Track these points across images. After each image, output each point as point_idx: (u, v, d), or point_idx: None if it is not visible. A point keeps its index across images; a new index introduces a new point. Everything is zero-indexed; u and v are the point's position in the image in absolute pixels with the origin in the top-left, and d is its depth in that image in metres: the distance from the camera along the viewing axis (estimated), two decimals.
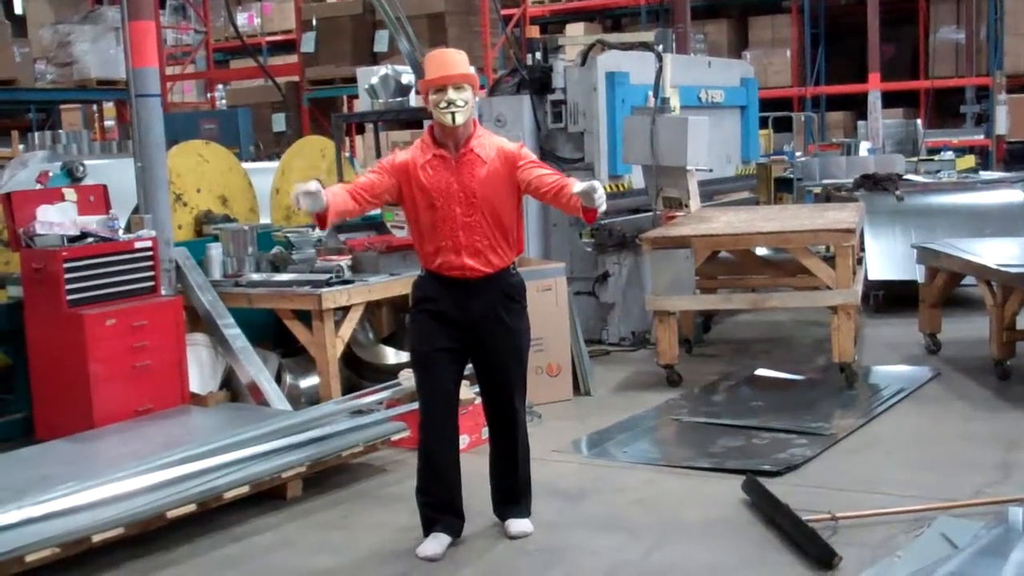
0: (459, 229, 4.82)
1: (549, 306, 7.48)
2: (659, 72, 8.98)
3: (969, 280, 8.29)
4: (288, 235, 7.78)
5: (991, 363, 7.60)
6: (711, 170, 9.56)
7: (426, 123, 5.68)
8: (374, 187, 4.92)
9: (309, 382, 7.33)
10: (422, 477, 5.05)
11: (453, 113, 4.74)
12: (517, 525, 5.10)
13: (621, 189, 9.68)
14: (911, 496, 5.32)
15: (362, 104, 9.64)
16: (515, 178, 4.86)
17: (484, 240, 4.85)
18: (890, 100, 20.01)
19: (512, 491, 5.15)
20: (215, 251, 7.33)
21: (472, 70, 4.84)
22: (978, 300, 8.31)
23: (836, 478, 5.75)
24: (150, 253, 6.65)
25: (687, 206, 8.88)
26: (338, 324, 6.94)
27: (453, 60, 4.81)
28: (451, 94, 4.72)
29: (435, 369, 4.95)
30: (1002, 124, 18.68)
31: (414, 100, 9.12)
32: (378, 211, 9.36)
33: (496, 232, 4.88)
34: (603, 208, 4.71)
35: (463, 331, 4.91)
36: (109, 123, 19.60)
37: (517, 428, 5.09)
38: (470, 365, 5.10)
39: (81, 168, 7.76)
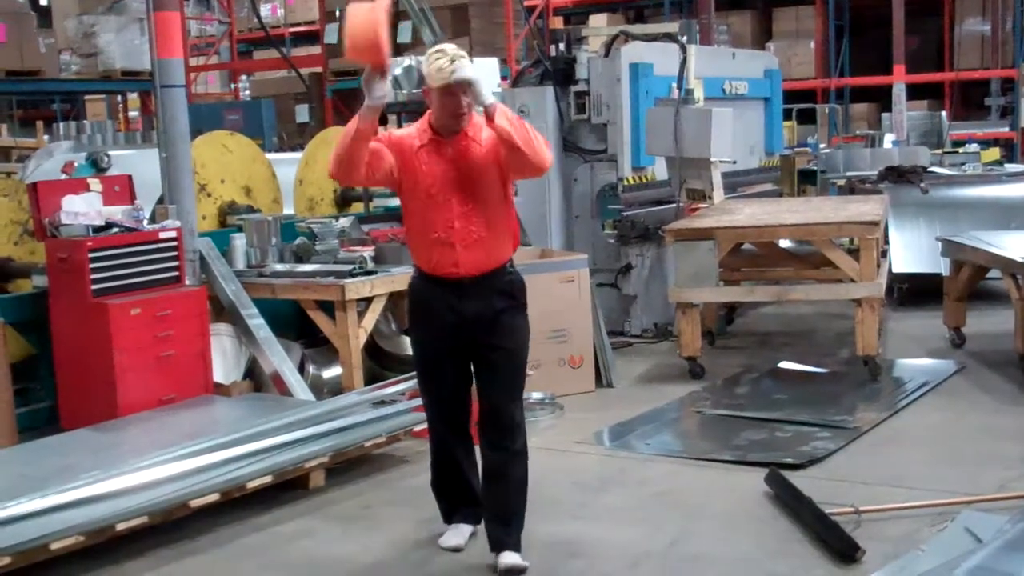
0: (455, 219, 4.54)
1: (572, 298, 7.47)
2: (683, 63, 8.94)
3: (994, 273, 8.24)
4: (311, 226, 7.78)
5: (1016, 357, 7.56)
6: (735, 162, 9.52)
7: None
8: (379, 159, 4.57)
9: (332, 372, 7.35)
10: (435, 474, 5.01)
11: (462, 121, 4.54)
12: (505, 559, 4.66)
13: (644, 181, 9.66)
14: (935, 490, 5.30)
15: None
16: (499, 158, 4.55)
17: (481, 231, 4.56)
18: (915, 92, 19.91)
19: (502, 518, 4.74)
20: (239, 241, 7.36)
21: (473, 66, 4.47)
22: (1003, 293, 8.26)
23: (859, 471, 5.73)
24: (175, 243, 6.68)
25: (710, 198, 8.85)
26: (361, 315, 6.95)
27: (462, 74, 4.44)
28: (462, 105, 4.48)
29: (436, 375, 4.79)
30: None
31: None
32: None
33: (492, 222, 4.61)
34: (459, 75, 4.41)
35: (460, 332, 4.65)
36: (133, 114, 19.71)
37: (513, 442, 4.72)
38: None
39: (106, 158, 7.79)
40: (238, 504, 5.42)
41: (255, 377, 7.07)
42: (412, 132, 4.64)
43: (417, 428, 6.10)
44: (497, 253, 4.64)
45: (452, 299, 4.61)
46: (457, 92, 4.42)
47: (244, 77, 19.68)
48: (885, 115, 19.56)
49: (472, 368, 4.79)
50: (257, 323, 6.99)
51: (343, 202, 9.69)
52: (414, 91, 9.13)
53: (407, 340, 7.89)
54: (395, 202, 9.36)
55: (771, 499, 5.35)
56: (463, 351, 4.72)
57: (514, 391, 4.73)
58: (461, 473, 4.95)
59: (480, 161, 4.54)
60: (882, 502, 5.10)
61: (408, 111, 10.29)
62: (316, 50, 17.55)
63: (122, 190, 6.90)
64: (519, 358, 4.75)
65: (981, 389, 7.26)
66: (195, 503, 5.13)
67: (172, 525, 5.17)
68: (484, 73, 9.07)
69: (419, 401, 6.24)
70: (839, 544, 4.64)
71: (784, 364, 8.13)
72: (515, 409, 4.73)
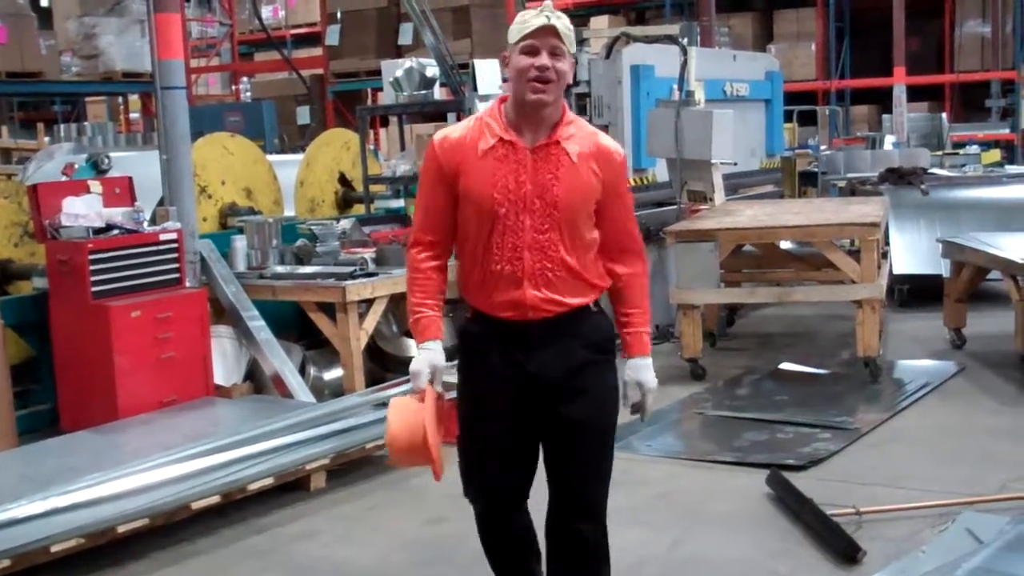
0: (525, 249, 3.42)
1: None
2: (684, 65, 8.95)
3: (995, 275, 8.24)
4: (312, 227, 7.79)
5: (1017, 358, 7.56)
6: (736, 163, 9.53)
7: (488, 102, 4.24)
8: (439, 222, 3.56)
9: (333, 374, 7.35)
10: (485, 549, 3.87)
11: (545, 85, 3.36)
12: None
13: (645, 182, 9.66)
14: (936, 491, 5.30)
15: (386, 97, 9.65)
16: (602, 193, 3.49)
17: (559, 268, 3.45)
18: (915, 94, 19.91)
19: None
20: (240, 243, 7.35)
21: (572, 35, 3.44)
22: (1004, 295, 8.26)
23: (860, 472, 5.73)
24: (175, 245, 6.67)
25: (711, 199, 8.86)
26: (362, 316, 6.95)
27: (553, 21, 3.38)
28: (544, 58, 3.34)
29: (487, 455, 3.63)
30: None
31: (438, 93, 9.12)
32: (401, 203, 9.42)
33: (576, 257, 3.47)
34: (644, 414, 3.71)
35: (525, 395, 3.52)
36: (134, 115, 19.70)
37: (594, 527, 3.70)
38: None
39: (106, 160, 7.79)
40: (239, 506, 5.42)
41: (256, 379, 7.07)
42: (474, 127, 3.52)
43: None
44: (580, 292, 3.51)
45: (515, 350, 3.51)
46: (541, 50, 3.36)
47: (245, 79, 19.71)
48: (886, 117, 19.56)
49: (541, 444, 3.64)
50: (258, 325, 6.99)
51: (344, 204, 9.71)
52: (415, 93, 9.16)
53: (408, 342, 7.91)
54: (396, 204, 9.39)
55: (772, 500, 5.35)
56: (529, 423, 3.57)
57: (600, 474, 3.66)
58: (518, 559, 3.85)
59: (572, 175, 3.43)
60: (883, 503, 5.10)
61: (409, 112, 10.34)
62: (317, 52, 17.59)
63: (122, 192, 6.90)
64: (606, 433, 3.64)
65: (982, 390, 7.26)
66: (196, 505, 5.13)
67: (173, 527, 5.17)
68: (486, 72, 9.11)
69: None
70: (840, 545, 4.64)
71: (785, 365, 8.13)
72: (599, 494, 3.69)
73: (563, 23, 3.35)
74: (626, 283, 3.59)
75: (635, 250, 3.61)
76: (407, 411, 3.54)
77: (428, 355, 3.51)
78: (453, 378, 3.68)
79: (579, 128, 3.52)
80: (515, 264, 3.44)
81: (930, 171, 11.63)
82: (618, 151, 3.54)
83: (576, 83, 9.54)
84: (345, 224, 7.90)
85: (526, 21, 3.37)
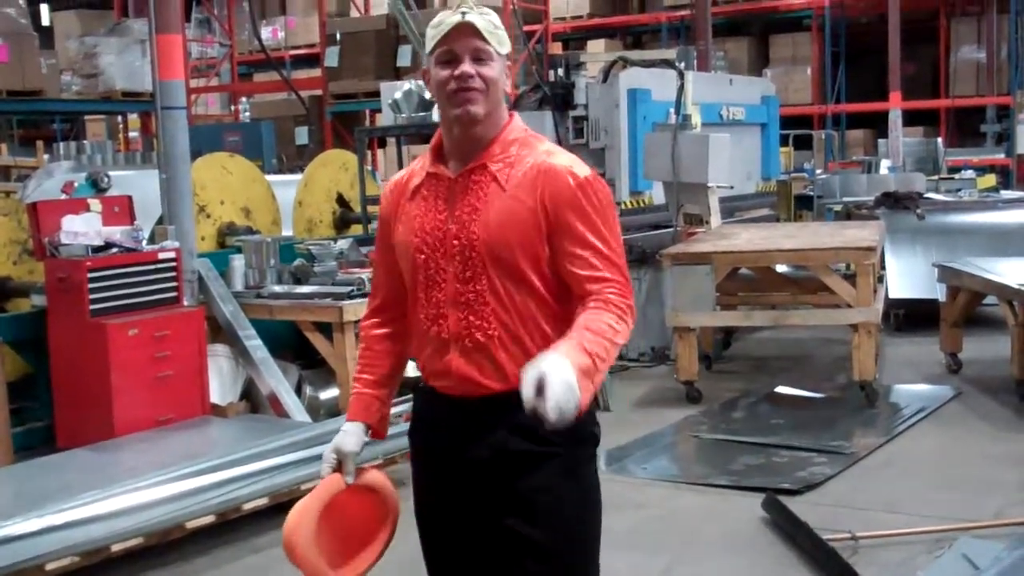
0: (448, 304, 2.69)
1: None
2: (680, 89, 9.00)
3: (990, 299, 8.26)
4: (310, 247, 7.80)
5: (1012, 383, 7.57)
6: (732, 187, 9.57)
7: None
8: (383, 280, 2.93)
9: (329, 394, 7.35)
10: None
11: (470, 94, 2.64)
12: None
13: (642, 205, 9.69)
14: (932, 516, 5.30)
15: (385, 118, 9.69)
16: (551, 236, 2.65)
17: (490, 327, 2.66)
18: (911, 118, 19.99)
19: None
20: (237, 263, 7.36)
21: (503, 33, 2.72)
22: (999, 319, 8.28)
23: (856, 497, 5.73)
24: (173, 264, 6.68)
25: (708, 222, 8.89)
26: (358, 336, 6.94)
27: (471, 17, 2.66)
28: (465, 65, 2.64)
29: (433, 550, 2.99)
30: (1023, 143, 18.63)
31: (437, 115, 9.15)
32: None
33: (516, 313, 2.67)
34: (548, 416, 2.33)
35: (463, 487, 2.77)
36: (133, 134, 19.72)
37: None
38: None
39: (106, 179, 7.80)
40: (234, 526, 5.41)
41: (252, 398, 7.06)
42: (415, 165, 2.87)
43: None
44: (523, 364, 2.47)
45: (449, 432, 2.76)
46: (460, 54, 2.64)
47: (244, 99, 19.73)
48: (881, 141, 19.64)
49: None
50: (254, 344, 6.99)
51: (342, 224, 9.72)
52: (413, 115, 9.20)
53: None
54: None
55: (768, 524, 5.34)
56: (473, 523, 2.79)
57: None
58: None
59: (498, 209, 2.65)
60: (879, 528, 5.10)
61: (407, 134, 10.37)
62: (316, 73, 17.62)
63: (122, 210, 6.91)
64: (574, 563, 2.85)
65: (978, 415, 7.27)
66: (191, 524, 5.12)
67: (168, 546, 5.16)
68: None
69: None
70: (836, 570, 4.64)
71: (781, 389, 8.14)
72: None
73: (485, 19, 2.65)
74: (588, 305, 2.62)
75: (609, 279, 2.64)
76: (301, 503, 2.82)
77: (338, 438, 2.84)
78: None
79: (526, 147, 2.72)
80: (440, 324, 2.70)
81: (926, 196, 11.69)
82: (574, 171, 2.67)
83: (573, 106, 9.61)
84: (342, 244, 7.91)
85: (440, 22, 2.66)
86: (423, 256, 2.70)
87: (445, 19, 2.66)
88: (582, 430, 2.64)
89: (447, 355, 2.69)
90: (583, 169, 2.70)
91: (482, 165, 2.68)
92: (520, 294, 2.66)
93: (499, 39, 2.68)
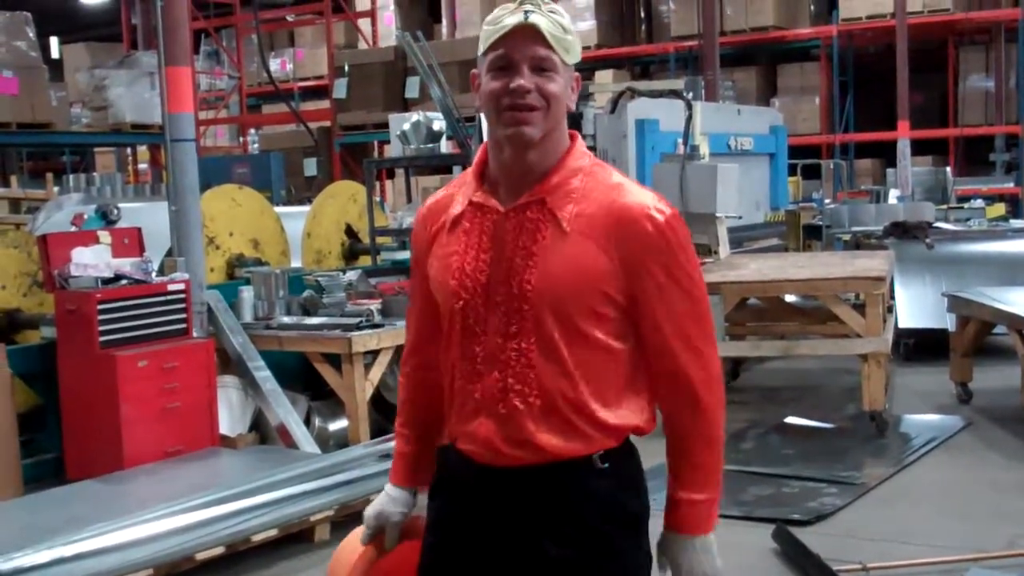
0: (486, 361, 2.29)
1: None
2: (689, 119, 9.02)
3: (1000, 329, 8.24)
4: (319, 279, 7.82)
5: (1023, 413, 7.54)
6: (740, 217, 9.58)
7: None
8: (416, 319, 2.53)
9: (338, 425, 7.35)
10: None
11: (526, 114, 2.22)
12: None
13: None
14: (942, 546, 5.27)
15: (393, 150, 9.73)
16: (631, 291, 2.25)
17: (532, 393, 2.25)
18: (919, 148, 20.02)
19: None
20: (246, 294, 7.38)
21: (572, 39, 2.27)
22: (1010, 349, 8.25)
23: (867, 528, 5.71)
24: (183, 296, 6.70)
25: (716, 253, 8.89)
26: (367, 368, 6.95)
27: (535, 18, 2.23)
28: (523, 76, 2.22)
29: None
30: None
31: (445, 146, 9.19)
32: (407, 255, 9.45)
33: (564, 377, 2.25)
34: None
35: (475, 558, 2.37)
36: (142, 166, 19.82)
37: None
38: None
39: (115, 211, 7.83)
40: (243, 557, 5.40)
41: (261, 429, 7.07)
42: (458, 182, 2.45)
43: None
44: (576, 434, 2.26)
45: (476, 507, 2.35)
46: (518, 62, 2.23)
47: (253, 131, 19.85)
48: (890, 170, 19.65)
49: None
50: (264, 375, 7.00)
51: (350, 255, 9.74)
52: (422, 146, 9.23)
53: None
54: (402, 255, 9.43)
55: (778, 555, 5.32)
56: None
57: None
58: None
59: (553, 256, 2.23)
60: (890, 559, 5.08)
61: (416, 165, 10.40)
62: (325, 104, 17.72)
63: (131, 242, 6.93)
64: None
65: (988, 445, 7.24)
66: (201, 556, 5.11)
67: None
68: None
69: None
70: None
71: (790, 419, 8.12)
72: None
73: (551, 21, 2.22)
74: (675, 432, 2.35)
75: (691, 385, 2.30)
76: (342, 552, 2.62)
77: (380, 503, 2.58)
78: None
79: (591, 178, 2.27)
80: (473, 382, 2.30)
81: (935, 225, 11.66)
82: (654, 211, 2.24)
83: (582, 136, 9.63)
84: (351, 276, 7.93)
85: (498, 20, 2.24)
86: (460, 303, 2.29)
87: (504, 17, 2.23)
88: (637, 527, 2.37)
89: (477, 417, 2.30)
90: (663, 206, 2.27)
91: (540, 200, 2.25)
92: (565, 352, 2.24)
93: (567, 47, 2.25)
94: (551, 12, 2.23)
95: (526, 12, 2.20)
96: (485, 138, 2.38)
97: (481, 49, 2.27)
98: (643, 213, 2.23)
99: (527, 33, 2.20)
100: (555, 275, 2.21)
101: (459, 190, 2.39)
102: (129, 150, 19.22)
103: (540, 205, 2.25)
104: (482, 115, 2.55)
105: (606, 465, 2.30)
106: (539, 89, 2.21)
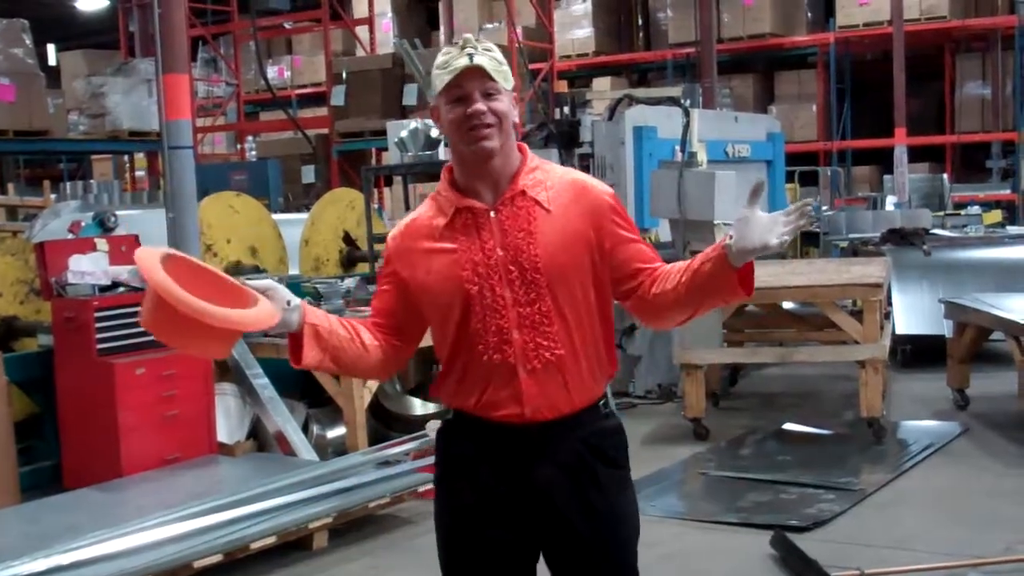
0: (512, 327, 2.75)
1: None
2: (686, 126, 9.02)
3: (998, 335, 8.25)
4: (316, 285, 7.81)
5: (1021, 419, 7.55)
6: None
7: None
8: (382, 310, 2.93)
9: (336, 432, 7.35)
10: None
11: (486, 129, 2.75)
12: None
13: (648, 242, 9.71)
14: (941, 552, 5.28)
15: (391, 157, 9.73)
16: (601, 244, 2.83)
17: (557, 346, 2.76)
18: (916, 154, 20.04)
19: None
20: None
21: (507, 69, 2.81)
22: (1007, 355, 8.26)
23: (865, 534, 5.71)
24: None
25: None
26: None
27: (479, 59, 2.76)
28: (477, 103, 2.74)
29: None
30: None
31: (443, 153, 9.19)
32: None
33: (579, 333, 2.80)
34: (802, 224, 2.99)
35: (522, 517, 2.82)
36: (140, 173, 19.81)
37: None
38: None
39: (113, 218, 7.84)
40: (242, 565, 5.39)
41: (259, 437, 7.06)
42: (426, 207, 2.90)
43: (421, 488, 6.08)
44: (588, 382, 2.82)
45: (511, 459, 2.79)
46: (471, 92, 2.75)
47: (251, 138, 19.84)
48: (887, 177, 19.68)
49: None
50: (262, 383, 6.99)
51: (348, 263, 9.74)
52: (420, 153, 9.23)
53: (412, 400, 7.91)
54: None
55: (776, 562, 5.32)
56: (525, 550, 2.89)
57: None
58: None
59: (551, 227, 2.78)
60: (887, 565, 5.08)
61: (413, 172, 10.41)
62: (322, 111, 17.71)
63: (128, 250, 6.93)
64: (626, 561, 3.00)
65: (986, 451, 7.25)
66: (198, 564, 5.10)
67: None
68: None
69: (424, 462, 6.25)
70: None
71: (788, 425, 8.12)
72: None
73: (490, 58, 2.75)
74: (668, 275, 2.83)
75: (656, 262, 2.91)
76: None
77: (286, 292, 2.79)
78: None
79: (547, 172, 2.86)
80: (504, 350, 2.74)
81: (932, 232, 11.69)
82: (603, 187, 2.89)
83: (579, 144, 9.64)
84: (349, 283, 7.92)
85: (448, 64, 2.74)
86: (475, 287, 2.75)
87: (452, 61, 2.75)
88: (628, 460, 2.93)
89: (515, 379, 2.75)
90: (605, 186, 2.93)
91: (521, 192, 2.81)
92: (578, 312, 2.80)
93: (505, 76, 2.79)
94: (487, 50, 2.77)
95: (469, 55, 2.74)
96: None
97: (437, 89, 2.79)
98: (597, 189, 2.87)
99: (474, 72, 2.74)
100: (554, 245, 2.77)
101: (433, 208, 2.87)
102: (126, 157, 19.18)
103: (523, 195, 2.80)
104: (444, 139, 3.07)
105: (606, 407, 2.89)
106: (491, 110, 2.75)
